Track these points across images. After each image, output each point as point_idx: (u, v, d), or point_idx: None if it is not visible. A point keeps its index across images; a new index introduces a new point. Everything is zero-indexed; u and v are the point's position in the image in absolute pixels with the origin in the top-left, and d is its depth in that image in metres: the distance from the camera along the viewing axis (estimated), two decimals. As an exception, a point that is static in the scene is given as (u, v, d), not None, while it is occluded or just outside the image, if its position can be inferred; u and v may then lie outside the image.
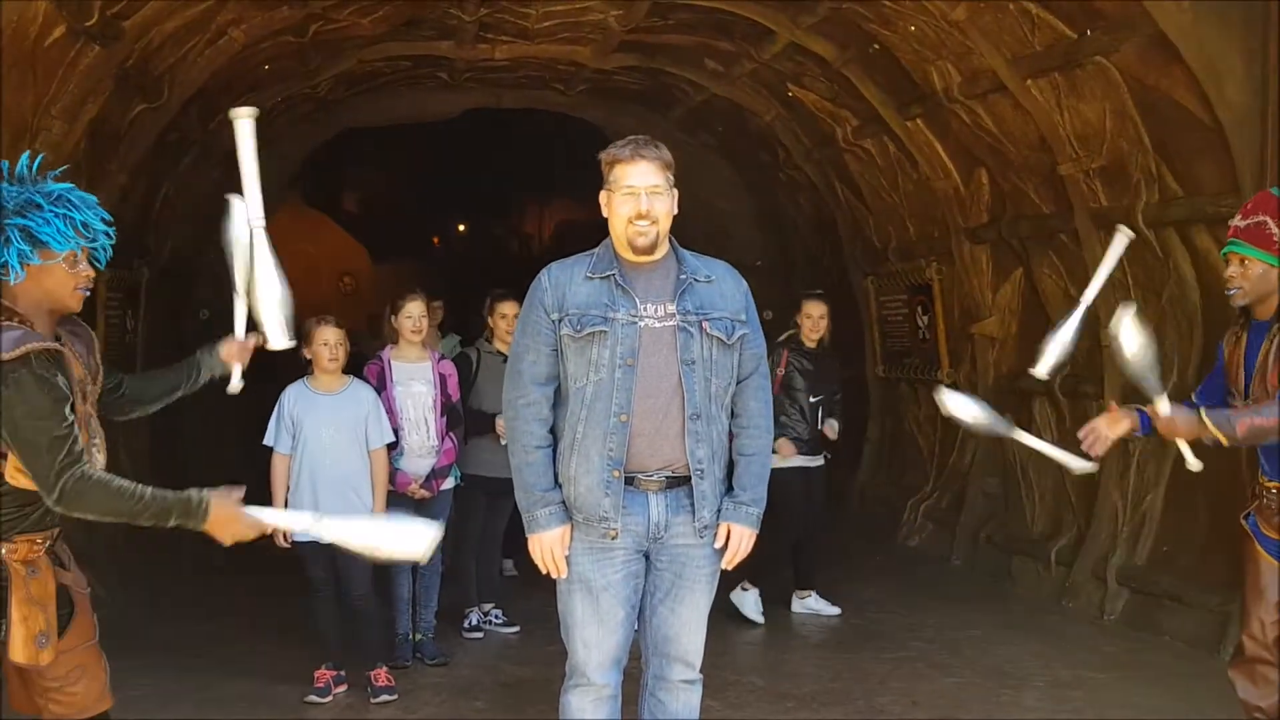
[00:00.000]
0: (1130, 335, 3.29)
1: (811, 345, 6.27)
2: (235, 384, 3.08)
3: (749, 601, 6.12)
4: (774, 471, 6.23)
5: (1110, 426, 3.49)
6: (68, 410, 2.55)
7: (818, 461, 6.31)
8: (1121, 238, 3.56)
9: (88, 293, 2.73)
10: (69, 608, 2.74)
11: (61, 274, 2.65)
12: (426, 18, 7.29)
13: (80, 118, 5.47)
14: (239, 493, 2.68)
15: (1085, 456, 3.50)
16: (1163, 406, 3.32)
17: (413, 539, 2.77)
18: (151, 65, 6.08)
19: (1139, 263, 6.12)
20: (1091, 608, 6.36)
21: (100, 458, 2.72)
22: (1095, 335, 6.48)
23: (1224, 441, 3.29)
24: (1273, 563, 3.47)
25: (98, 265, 2.75)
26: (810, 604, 6.37)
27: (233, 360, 3.11)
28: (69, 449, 2.52)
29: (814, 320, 6.27)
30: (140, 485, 2.59)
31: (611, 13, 7.24)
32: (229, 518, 2.63)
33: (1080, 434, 3.51)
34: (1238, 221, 3.48)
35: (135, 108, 6.24)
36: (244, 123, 2.93)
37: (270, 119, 8.78)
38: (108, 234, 2.72)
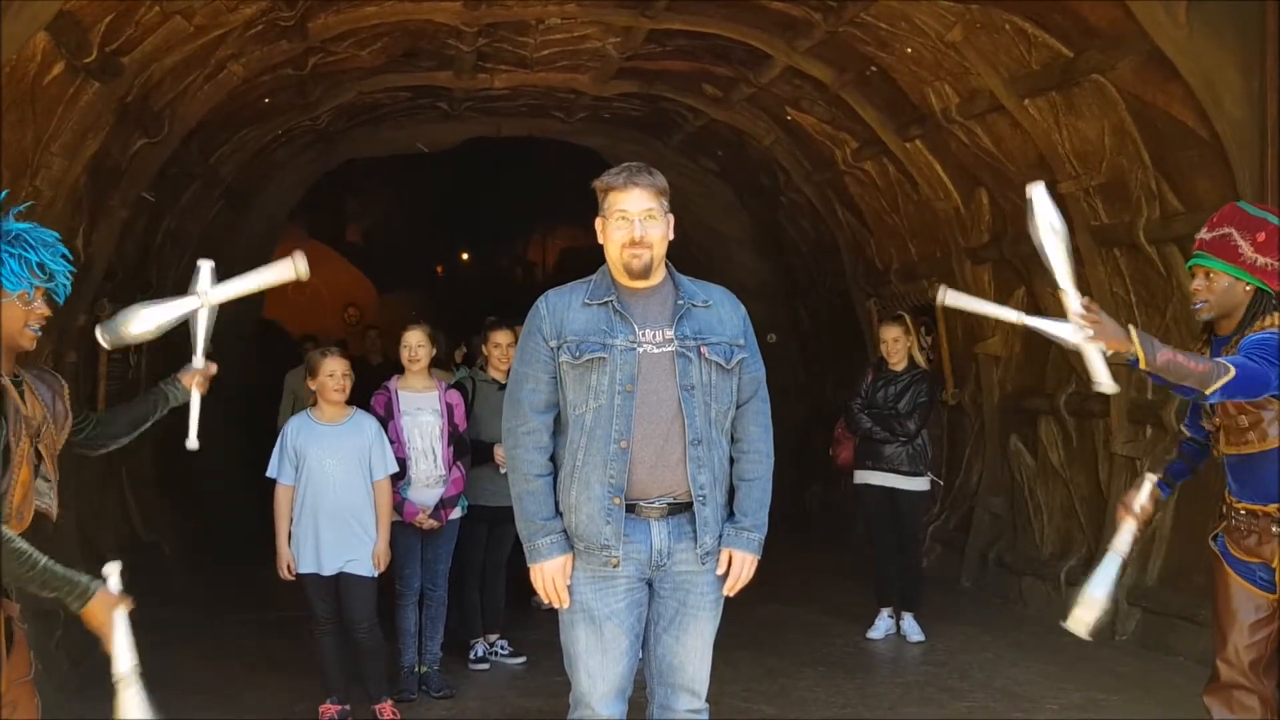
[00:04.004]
0: (1044, 211, 3.04)
1: (896, 368, 6.32)
2: (193, 441, 3.02)
3: (908, 625, 6.31)
4: (856, 487, 6.37)
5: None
6: None
7: (907, 484, 6.28)
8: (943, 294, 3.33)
9: (40, 331, 2.72)
10: (8, 641, 2.71)
11: (14, 312, 2.64)
12: (425, 49, 7.33)
13: (81, 154, 5.49)
14: (124, 602, 2.71)
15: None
16: (1072, 301, 3.08)
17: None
18: (151, 100, 6.10)
19: (1142, 280, 6.10)
20: (1103, 628, 6.29)
21: (52, 499, 2.73)
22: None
23: (1141, 362, 3.08)
24: (1244, 585, 3.39)
25: (55, 302, 2.74)
26: (904, 625, 6.37)
27: (193, 386, 3.11)
28: None
29: (888, 344, 6.33)
30: (37, 553, 2.61)
31: (609, 40, 7.27)
32: (102, 618, 2.67)
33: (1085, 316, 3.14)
34: (1203, 234, 3.42)
35: (136, 143, 6.26)
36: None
37: (271, 151, 8.83)
38: (66, 274, 2.72)
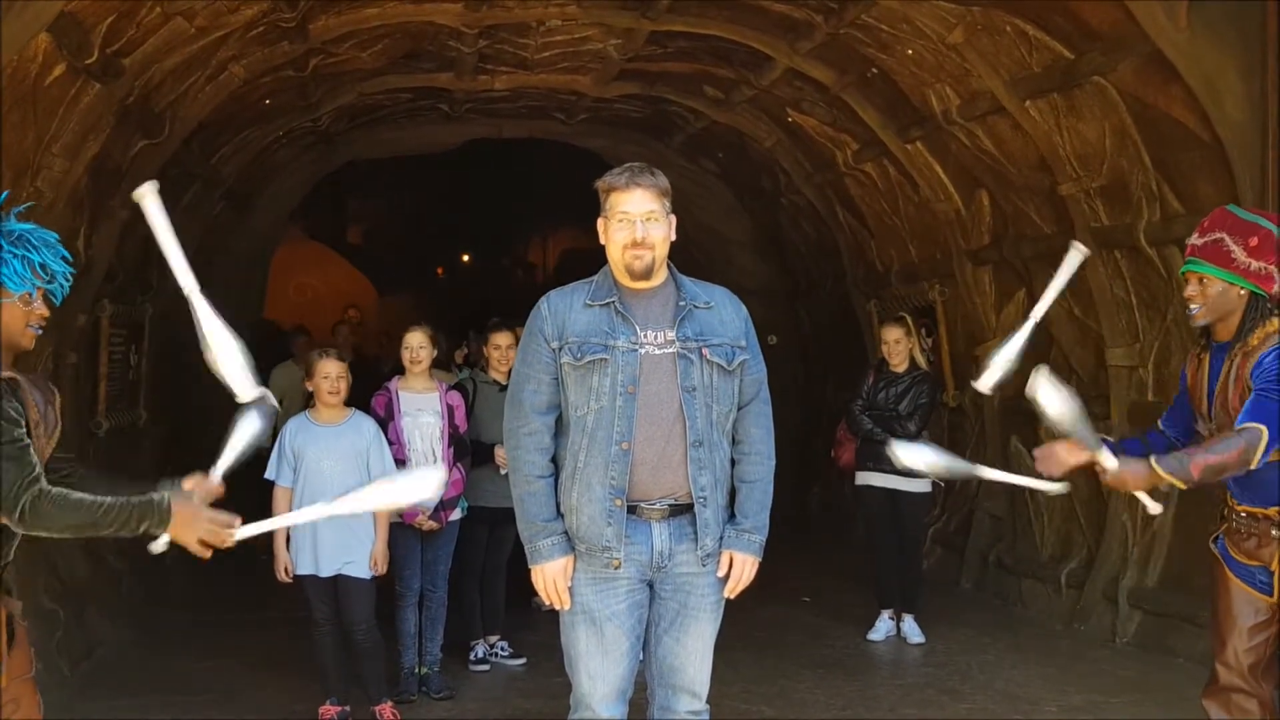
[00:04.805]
0: (1049, 395, 3.21)
1: (898, 369, 6.32)
2: (159, 545, 2.80)
3: (909, 627, 6.31)
4: (858, 488, 6.37)
5: (1070, 454, 3.37)
6: (23, 432, 2.54)
7: (908, 485, 6.26)
8: (1076, 255, 3.47)
9: (40, 331, 2.72)
10: (9, 638, 2.69)
11: (15, 312, 2.64)
12: (426, 50, 7.33)
13: (82, 155, 5.49)
14: (202, 491, 2.64)
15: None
16: (1107, 461, 3.23)
17: (418, 486, 2.74)
18: (152, 101, 6.10)
19: (1142, 282, 6.10)
20: (1103, 630, 6.30)
21: None
22: (1101, 355, 6.49)
23: (1180, 485, 3.21)
24: (1244, 588, 3.38)
25: (53, 303, 2.74)
26: (905, 627, 6.36)
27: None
28: (29, 465, 2.51)
29: (890, 345, 6.34)
30: (100, 496, 2.57)
31: (610, 42, 7.28)
32: (191, 518, 2.60)
33: (1036, 453, 3.43)
34: (1195, 239, 3.42)
35: (136, 144, 6.26)
36: (149, 200, 2.79)
37: (272, 153, 8.83)
38: (66, 275, 2.72)
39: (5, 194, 2.77)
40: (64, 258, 2.71)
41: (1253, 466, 3.16)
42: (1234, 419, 3.29)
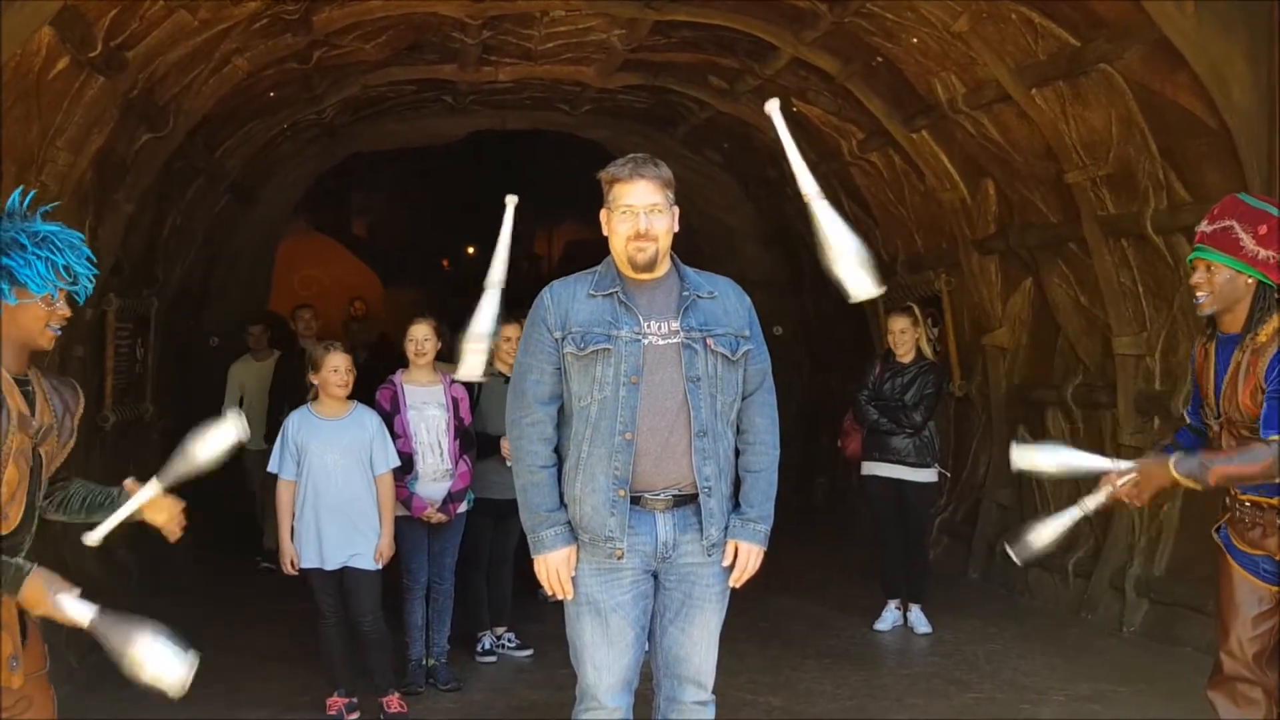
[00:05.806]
0: (1037, 460, 3.28)
1: (904, 359, 6.30)
2: (94, 536, 2.82)
3: (917, 617, 6.31)
4: (864, 478, 6.40)
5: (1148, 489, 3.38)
6: None
7: (914, 475, 6.28)
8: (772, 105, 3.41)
9: (59, 332, 2.72)
10: (22, 635, 2.69)
11: (36, 312, 2.64)
12: (429, 41, 7.32)
13: (86, 148, 5.50)
14: (61, 585, 2.59)
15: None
16: (1117, 480, 3.26)
17: (166, 667, 2.70)
18: (156, 95, 6.10)
19: (1149, 271, 6.08)
20: (1110, 619, 6.29)
21: (13, 514, 2.64)
22: (1107, 343, 6.47)
23: (1197, 488, 3.21)
24: (1247, 577, 3.38)
25: (76, 302, 2.74)
26: (912, 617, 6.36)
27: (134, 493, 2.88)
28: None
29: (895, 335, 6.32)
30: None
31: (614, 32, 7.26)
32: (40, 596, 2.57)
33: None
34: (1204, 227, 3.40)
35: (141, 137, 6.27)
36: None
37: (276, 145, 8.82)
38: (89, 276, 2.71)
39: (33, 193, 2.76)
40: (88, 259, 2.71)
41: (1277, 480, 3.15)
42: (1244, 415, 3.26)
